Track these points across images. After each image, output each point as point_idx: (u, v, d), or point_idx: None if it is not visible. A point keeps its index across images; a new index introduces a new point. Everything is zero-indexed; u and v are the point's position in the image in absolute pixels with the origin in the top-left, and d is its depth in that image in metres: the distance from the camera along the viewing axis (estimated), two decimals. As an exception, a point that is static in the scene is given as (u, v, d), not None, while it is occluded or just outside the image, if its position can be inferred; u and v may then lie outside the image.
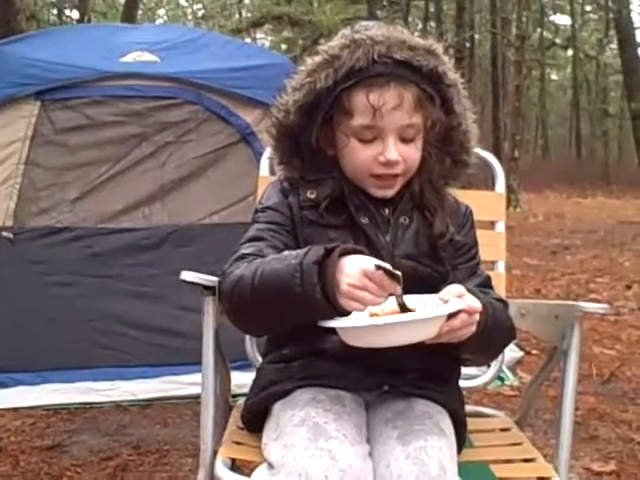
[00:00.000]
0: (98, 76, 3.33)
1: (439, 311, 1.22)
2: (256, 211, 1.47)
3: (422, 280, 1.36)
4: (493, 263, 1.87)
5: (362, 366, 1.35)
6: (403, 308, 1.22)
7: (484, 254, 1.58)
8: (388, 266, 1.17)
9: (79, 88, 3.32)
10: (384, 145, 1.36)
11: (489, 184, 1.92)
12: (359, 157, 1.38)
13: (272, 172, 1.82)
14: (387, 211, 1.43)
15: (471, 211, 1.53)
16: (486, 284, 1.48)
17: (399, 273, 1.17)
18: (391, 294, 1.19)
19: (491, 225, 1.90)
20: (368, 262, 1.18)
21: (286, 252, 1.27)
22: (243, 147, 3.38)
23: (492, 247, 1.83)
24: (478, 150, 1.63)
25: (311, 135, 1.40)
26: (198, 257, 3.07)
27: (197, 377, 2.71)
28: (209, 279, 1.36)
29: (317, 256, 1.19)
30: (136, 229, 3.27)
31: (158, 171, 3.35)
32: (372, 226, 1.40)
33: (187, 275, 1.35)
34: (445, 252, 1.43)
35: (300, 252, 1.22)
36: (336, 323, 1.22)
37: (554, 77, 34.06)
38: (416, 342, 1.21)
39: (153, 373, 3.08)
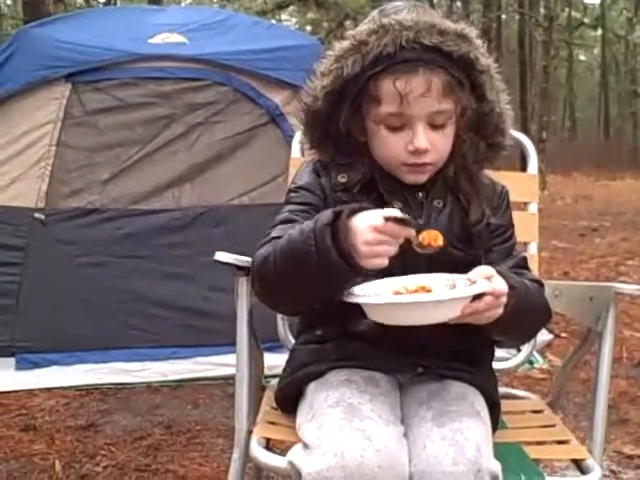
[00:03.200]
0: (127, 58, 3.34)
1: (461, 293, 1.21)
2: (289, 191, 1.45)
3: (455, 263, 1.35)
4: (525, 244, 1.84)
5: (396, 347, 1.34)
6: (421, 246, 1.24)
7: (516, 235, 1.55)
8: (396, 213, 1.18)
9: (109, 70, 3.33)
10: (413, 133, 1.33)
11: (516, 165, 1.90)
12: (388, 146, 1.36)
13: (303, 154, 1.81)
14: (420, 195, 1.41)
15: (507, 191, 1.51)
16: (522, 265, 1.45)
17: (408, 217, 1.18)
18: (408, 240, 1.20)
19: (524, 206, 1.88)
20: (375, 217, 1.17)
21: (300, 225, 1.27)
22: (272, 128, 3.37)
23: (525, 228, 1.80)
24: (510, 131, 1.61)
25: (339, 121, 1.38)
26: (228, 238, 3.09)
27: (228, 358, 2.81)
28: (242, 259, 1.36)
29: (328, 219, 1.19)
30: (166, 210, 3.28)
31: (187, 152, 3.35)
32: (405, 210, 1.35)
33: (221, 256, 1.35)
34: (480, 237, 1.41)
35: (311, 221, 1.23)
36: (359, 299, 1.22)
37: (582, 57, 33.57)
38: (439, 322, 1.21)
39: (184, 354, 3.10)
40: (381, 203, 1.38)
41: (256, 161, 3.36)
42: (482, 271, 1.25)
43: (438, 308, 1.19)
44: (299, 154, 1.84)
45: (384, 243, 1.17)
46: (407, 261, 1.33)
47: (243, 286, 1.38)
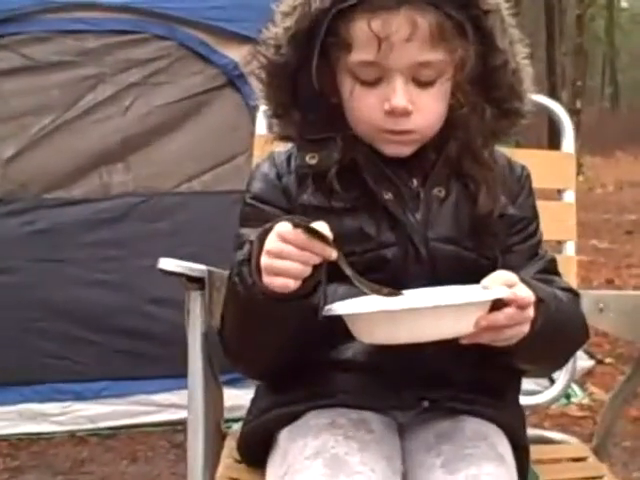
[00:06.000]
0: (38, 7, 3.31)
1: (471, 297, 1.21)
2: (244, 203, 1.45)
3: (466, 269, 1.35)
4: (560, 244, 1.87)
5: (393, 378, 1.34)
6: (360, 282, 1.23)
7: (548, 233, 1.57)
8: (317, 225, 1.18)
9: (14, 22, 3.31)
10: (390, 88, 1.32)
11: (543, 143, 1.90)
12: (362, 105, 1.35)
13: (272, 129, 1.80)
14: (415, 182, 1.40)
15: (528, 174, 1.50)
16: (551, 269, 1.45)
17: (325, 233, 1.18)
18: (325, 260, 1.20)
19: (557, 195, 1.89)
20: (285, 224, 1.19)
21: None
22: (230, 93, 3.38)
23: (558, 224, 1.83)
24: (536, 97, 1.61)
25: (310, 75, 1.36)
26: (174, 235, 3.10)
27: (176, 396, 2.79)
28: (195, 268, 1.36)
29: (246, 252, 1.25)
30: (92, 199, 3.28)
31: (119, 120, 3.35)
32: (397, 202, 1.38)
33: (166, 263, 1.35)
34: (495, 233, 1.40)
35: None
36: (340, 309, 1.24)
37: (624, 4, 33.87)
38: (446, 338, 1.20)
39: (117, 390, 3.09)
40: (365, 197, 1.38)
41: (210, 134, 3.37)
42: (500, 276, 1.25)
43: (444, 318, 1.19)
44: (265, 130, 1.83)
45: (284, 257, 1.17)
46: (403, 271, 1.34)
47: (196, 302, 1.38)
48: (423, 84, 1.33)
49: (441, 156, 1.41)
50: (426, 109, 1.34)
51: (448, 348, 1.24)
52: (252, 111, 1.85)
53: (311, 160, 1.38)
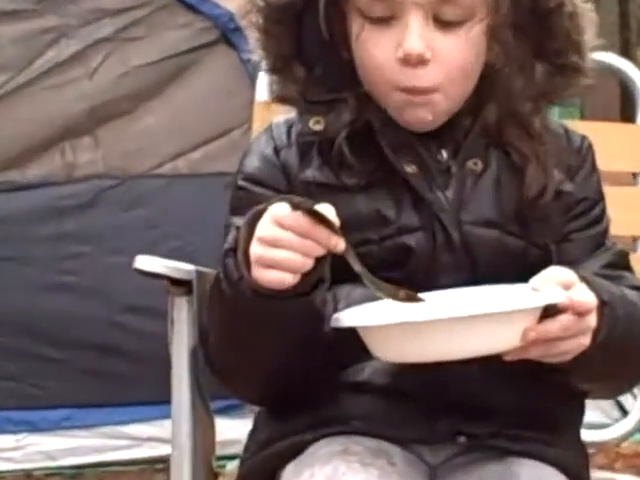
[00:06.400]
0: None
1: (516, 303, 1.19)
2: (235, 186, 1.45)
3: (512, 260, 1.35)
4: (634, 240, 1.87)
5: (420, 405, 1.33)
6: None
7: (619, 226, 1.57)
8: (319, 207, 1.17)
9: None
10: (403, 27, 1.31)
11: (613, 114, 1.92)
12: (370, 52, 1.34)
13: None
14: (445, 153, 1.39)
15: (590, 144, 1.47)
16: (620, 264, 1.44)
17: (331, 218, 1.17)
18: (330, 251, 1.19)
19: (631, 179, 1.90)
20: (283, 206, 1.18)
21: None
22: (224, 50, 3.42)
23: (633, 215, 1.83)
24: (604, 55, 1.61)
25: (317, 19, 1.37)
26: (154, 227, 3.12)
27: (154, 427, 2.80)
28: (181, 268, 1.38)
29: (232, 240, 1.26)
30: (52, 183, 3.30)
31: (86, 84, 3.38)
32: (422, 177, 1.37)
33: (145, 262, 1.37)
34: (547, 214, 1.39)
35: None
36: (347, 320, 1.23)
37: None
38: (485, 355, 1.20)
39: (82, 420, 3.10)
40: (382, 171, 1.38)
41: (198, 103, 3.40)
42: (554, 275, 1.24)
43: (479, 331, 1.18)
44: (268, 96, 1.84)
45: (284, 246, 1.17)
46: (432, 263, 1.35)
47: (182, 310, 1.39)
48: (446, 24, 1.31)
49: (477, 122, 1.40)
50: (448, 58, 1.32)
51: (487, 366, 1.25)
52: (251, 73, 1.85)
53: (316, 125, 1.38)
